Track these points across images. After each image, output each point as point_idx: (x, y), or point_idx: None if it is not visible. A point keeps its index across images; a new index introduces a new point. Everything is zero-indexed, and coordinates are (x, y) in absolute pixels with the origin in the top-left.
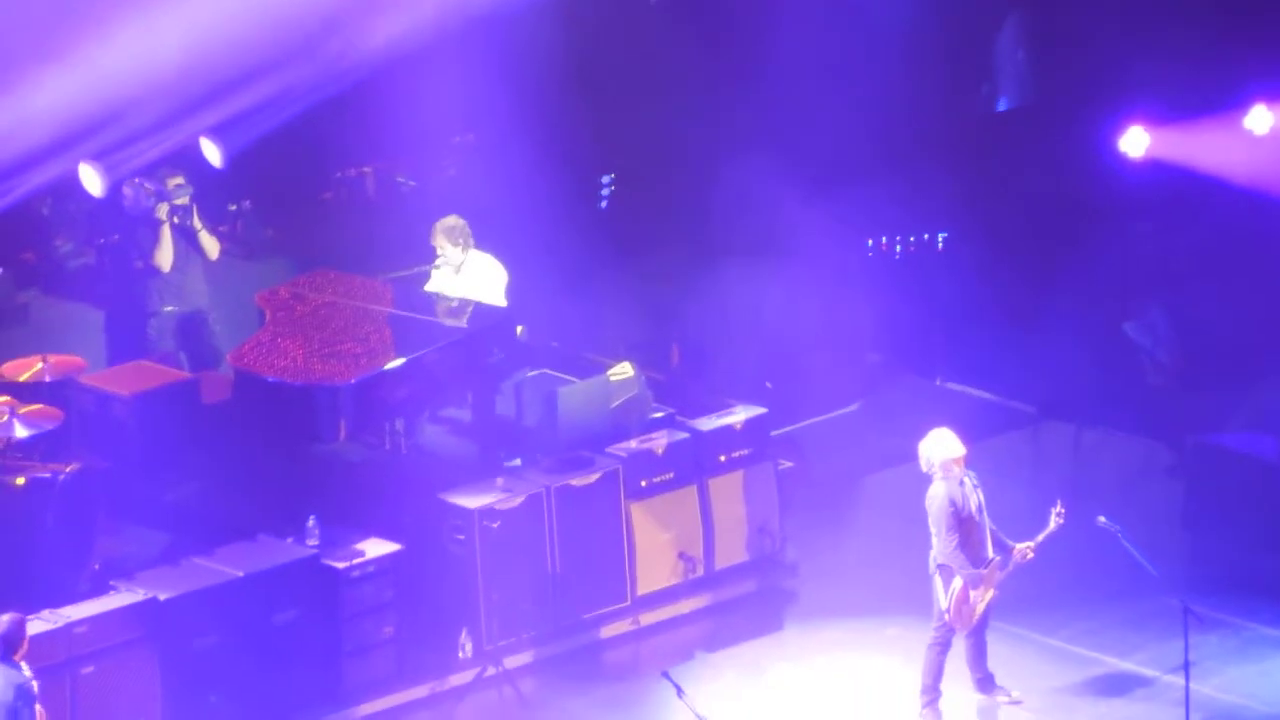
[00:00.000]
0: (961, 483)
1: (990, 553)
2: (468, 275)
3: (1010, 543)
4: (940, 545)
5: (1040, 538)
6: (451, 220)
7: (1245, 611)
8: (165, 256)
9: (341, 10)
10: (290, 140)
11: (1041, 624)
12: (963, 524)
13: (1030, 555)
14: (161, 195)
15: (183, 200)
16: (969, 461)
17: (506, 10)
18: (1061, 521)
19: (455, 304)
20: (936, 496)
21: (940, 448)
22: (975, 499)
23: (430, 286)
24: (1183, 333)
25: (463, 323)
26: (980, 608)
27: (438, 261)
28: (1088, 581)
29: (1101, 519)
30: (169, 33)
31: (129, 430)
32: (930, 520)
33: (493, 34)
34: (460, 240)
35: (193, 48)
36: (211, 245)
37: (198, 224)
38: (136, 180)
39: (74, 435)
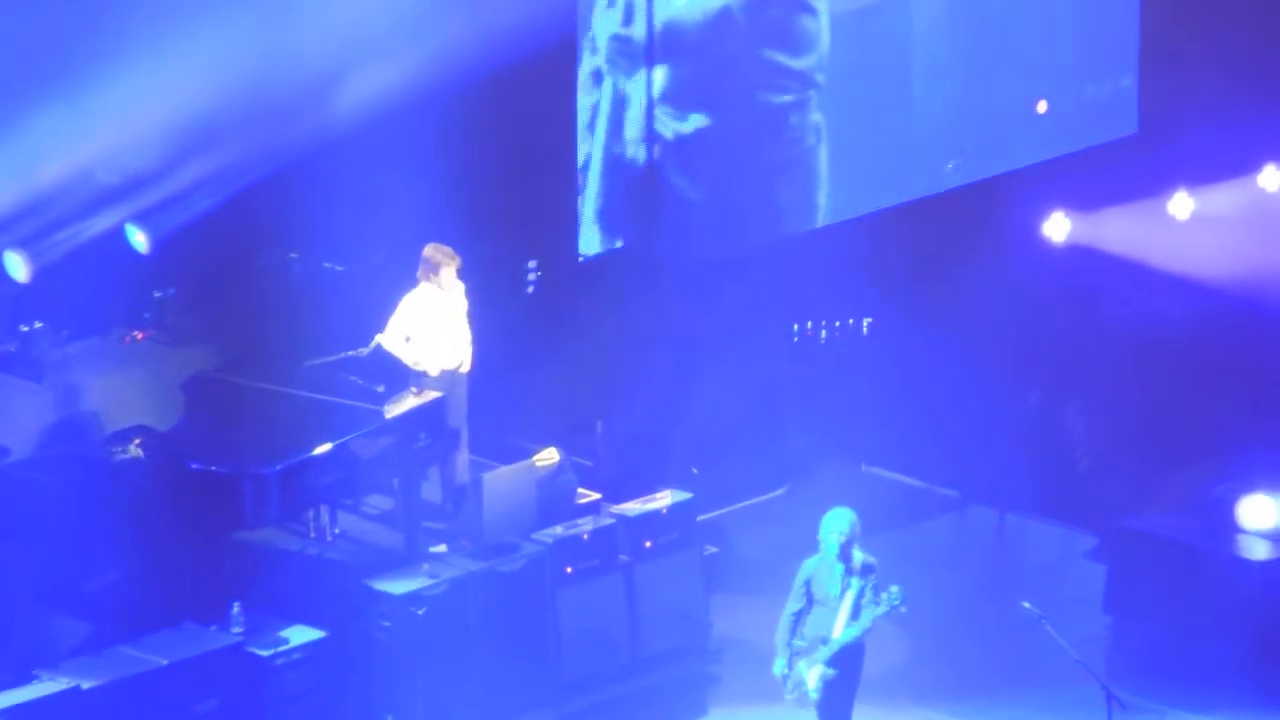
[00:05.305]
0: (833, 567)
1: (835, 634)
2: (456, 302)
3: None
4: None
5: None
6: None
7: (1168, 697)
8: None
9: (266, 98)
10: (215, 226)
11: (965, 710)
12: (810, 601)
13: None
14: None
15: None
16: (887, 548)
17: (432, 96)
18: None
19: (382, 389)
20: (801, 567)
21: (824, 526)
22: (837, 589)
23: (417, 311)
24: (1106, 418)
25: (387, 408)
26: (812, 683)
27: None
28: (1011, 667)
29: (1025, 604)
30: (92, 120)
31: (53, 516)
32: None
33: (418, 120)
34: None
35: (117, 135)
36: None
37: None
38: None
39: None
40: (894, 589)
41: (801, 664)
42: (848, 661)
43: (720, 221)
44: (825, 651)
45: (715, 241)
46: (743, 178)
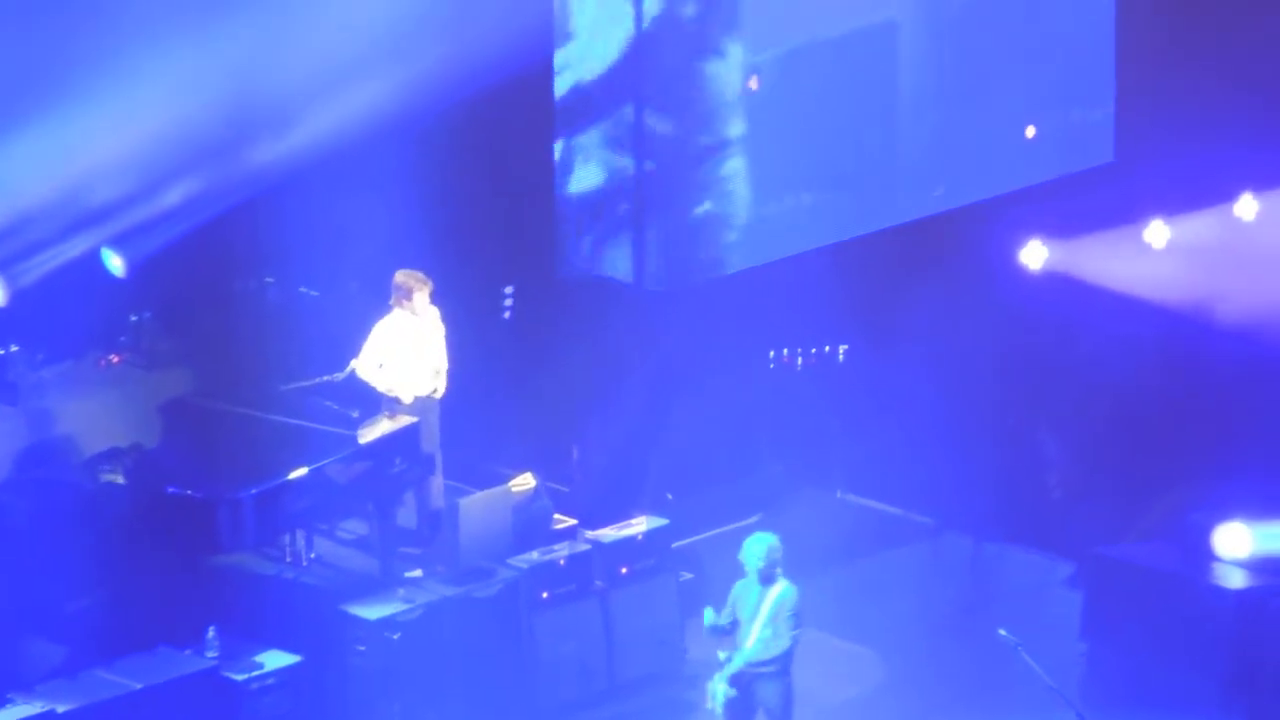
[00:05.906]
0: (751, 590)
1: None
2: (428, 327)
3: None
4: None
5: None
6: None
7: None
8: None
9: (243, 123)
10: (191, 250)
11: None
12: (733, 619)
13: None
14: None
15: None
16: (862, 575)
17: (408, 122)
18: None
19: (357, 414)
20: (735, 586)
21: (744, 550)
22: (750, 612)
23: (390, 338)
24: (1082, 445)
25: (362, 432)
26: (718, 697)
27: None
28: (987, 695)
29: (1001, 632)
30: (69, 144)
31: (28, 540)
32: None
33: (393, 146)
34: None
35: (94, 158)
36: None
37: None
38: None
39: None
40: (766, 631)
41: (717, 677)
42: (761, 689)
43: (668, 257)
44: (728, 669)
45: (668, 275)
46: (674, 218)
